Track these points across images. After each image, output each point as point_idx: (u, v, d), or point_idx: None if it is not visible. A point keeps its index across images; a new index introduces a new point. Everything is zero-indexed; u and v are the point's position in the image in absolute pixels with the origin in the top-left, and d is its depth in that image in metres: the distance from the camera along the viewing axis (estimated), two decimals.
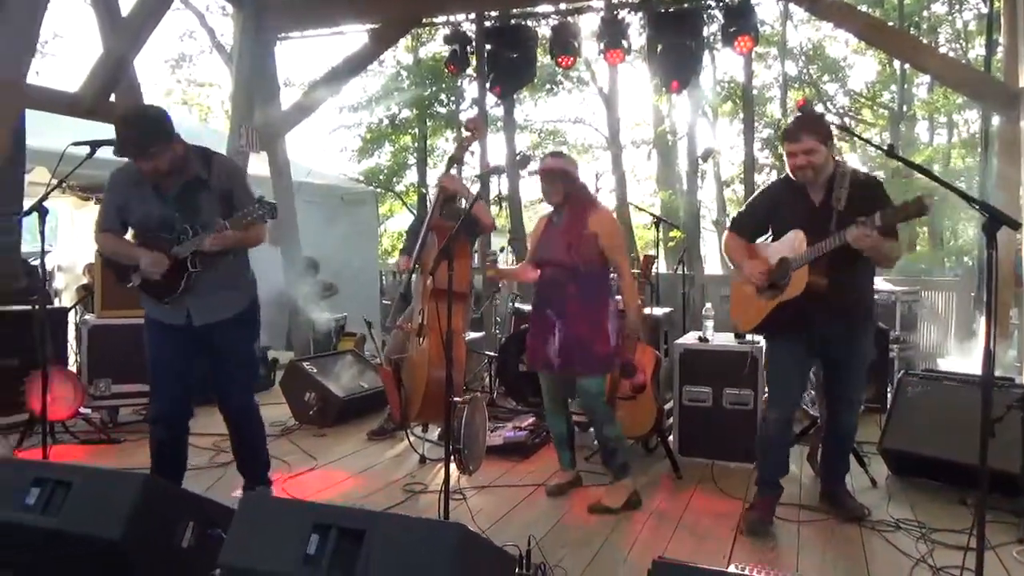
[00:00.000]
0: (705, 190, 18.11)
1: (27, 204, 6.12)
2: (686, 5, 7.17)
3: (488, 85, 7.24)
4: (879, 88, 19.27)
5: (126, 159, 3.06)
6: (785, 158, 3.15)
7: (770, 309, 3.19)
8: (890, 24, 13.57)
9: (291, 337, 7.69)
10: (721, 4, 7.01)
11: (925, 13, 17.59)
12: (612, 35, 6.83)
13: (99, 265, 4.97)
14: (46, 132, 5.84)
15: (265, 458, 3.50)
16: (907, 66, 14.87)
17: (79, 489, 2.43)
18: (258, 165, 7.44)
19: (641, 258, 4.40)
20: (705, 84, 16.59)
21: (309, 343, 7.53)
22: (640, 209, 8.81)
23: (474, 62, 7.37)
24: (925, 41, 14.55)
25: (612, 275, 3.64)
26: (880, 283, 7.14)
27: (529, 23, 7.60)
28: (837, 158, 3.17)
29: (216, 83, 19.85)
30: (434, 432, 4.70)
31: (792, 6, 10.35)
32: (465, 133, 4.34)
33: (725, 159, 19.26)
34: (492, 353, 5.81)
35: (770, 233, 3.33)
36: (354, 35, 7.96)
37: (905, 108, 17.92)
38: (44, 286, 3.56)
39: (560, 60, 7.24)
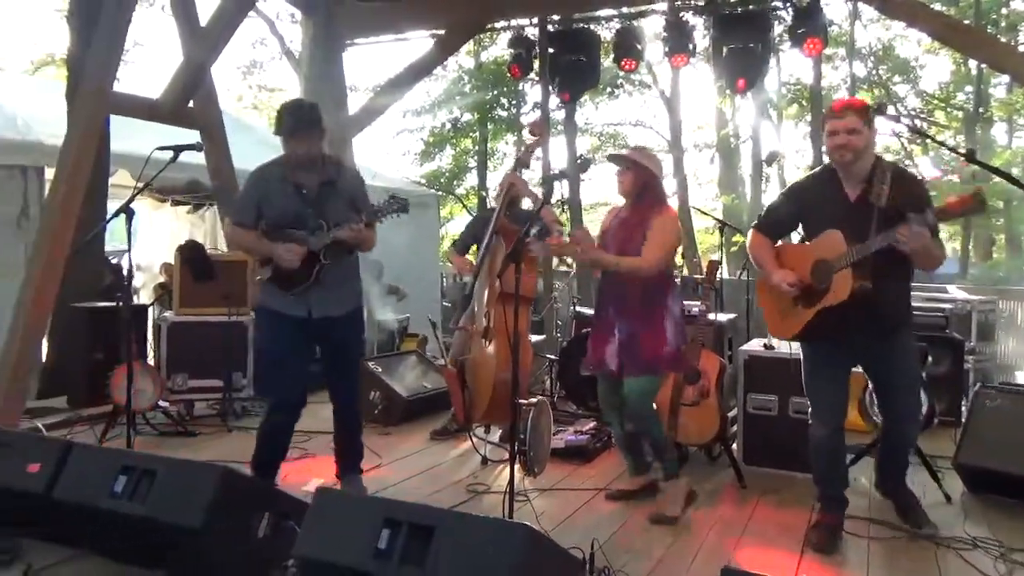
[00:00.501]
0: (769, 194, 17.75)
1: (110, 206, 6.45)
2: (752, 7, 7.06)
3: (556, 90, 7.25)
4: (953, 89, 18.58)
5: (260, 160, 3.41)
6: (824, 139, 2.99)
7: (811, 317, 3.01)
8: (966, 23, 13.07)
9: None
10: (789, 5, 6.88)
11: (1004, 11, 16.89)
12: (676, 38, 6.76)
13: (178, 265, 5.17)
14: (126, 136, 6.12)
15: (362, 449, 3.73)
16: (984, 66, 14.29)
17: (163, 478, 2.55)
18: None
19: (704, 263, 4.36)
20: (769, 86, 16.28)
21: (373, 343, 7.67)
22: (703, 213, 8.68)
23: (537, 66, 7.40)
24: (1004, 40, 13.97)
25: (676, 276, 3.62)
26: (955, 292, 6.89)
27: (592, 27, 7.60)
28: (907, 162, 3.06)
29: (284, 88, 20.37)
30: (496, 434, 4.74)
31: (861, 5, 10.09)
32: (530, 137, 4.39)
33: (790, 162, 18.85)
34: (553, 356, 5.82)
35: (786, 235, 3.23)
36: (417, 41, 8.12)
37: (981, 110, 17.23)
38: (129, 284, 3.72)
39: (623, 64, 7.21)
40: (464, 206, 20.19)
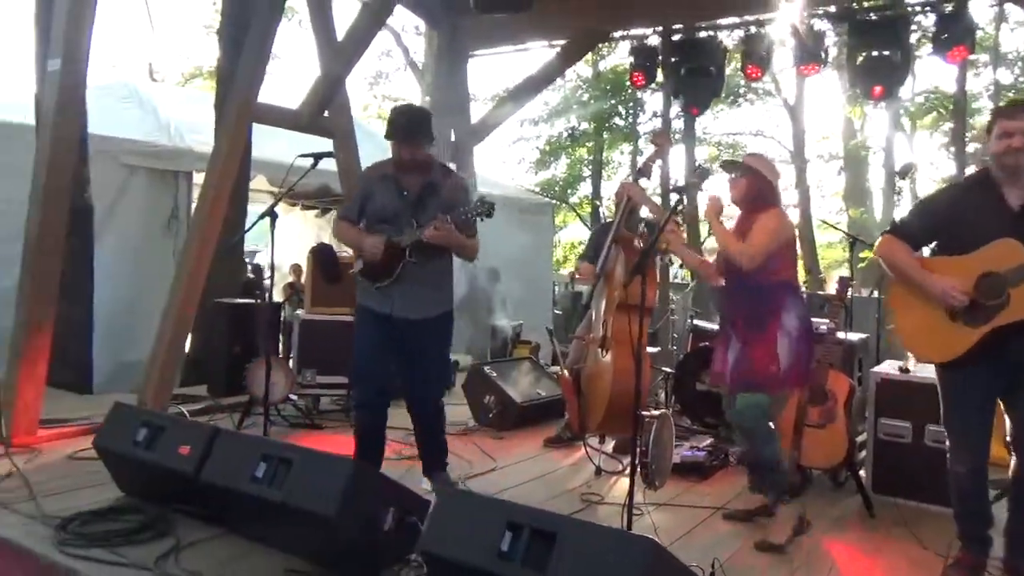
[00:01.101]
0: (901, 208, 16.79)
1: (248, 209, 6.88)
2: (889, 12, 6.72)
3: (679, 100, 7.17)
4: None
5: (375, 158, 3.57)
6: (992, 141, 2.73)
7: (981, 336, 2.73)
8: None
9: (470, 342, 8.00)
10: (930, 9, 6.50)
11: None
12: (806, 47, 6.53)
13: (310, 266, 5.45)
14: (262, 143, 6.49)
15: (445, 446, 3.74)
16: None
17: (299, 467, 2.69)
18: None
19: (827, 279, 4.19)
20: (903, 94, 15.40)
21: (486, 348, 7.81)
22: (831, 226, 8.32)
23: (660, 75, 7.33)
24: None
25: (800, 291, 3.49)
26: None
27: (716, 35, 7.45)
28: None
29: (407, 98, 21.06)
30: (610, 444, 4.72)
31: (1009, 7, 9.39)
32: (650, 147, 4.36)
33: (924, 175, 17.76)
34: (668, 369, 5.74)
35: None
36: (537, 51, 8.20)
37: None
38: (271, 283, 3.96)
39: (748, 72, 7.03)
40: (577, 215, 20.22)
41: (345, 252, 6.43)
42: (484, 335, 7.96)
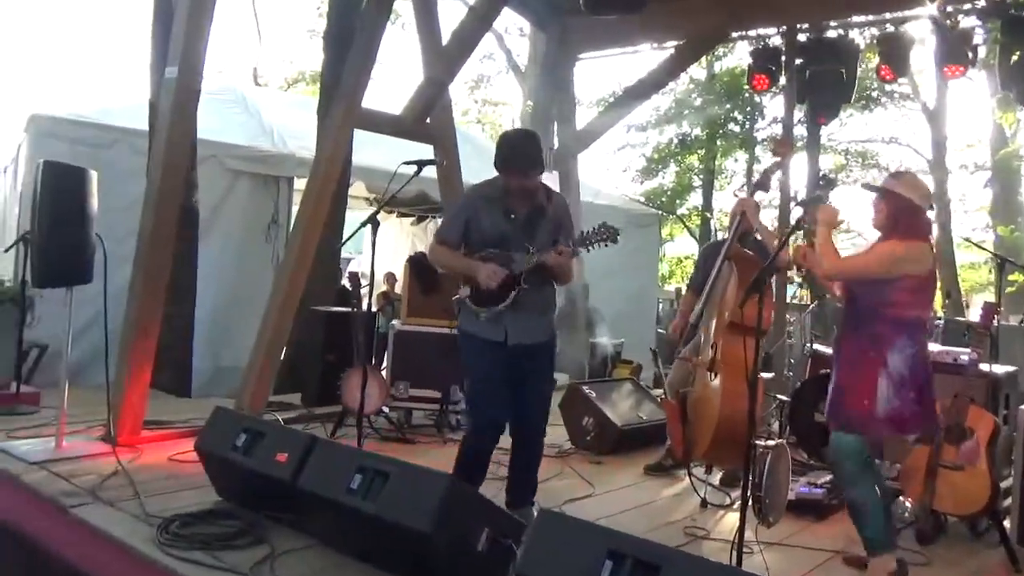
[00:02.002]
0: None
1: (350, 214, 7.18)
2: None
3: (805, 106, 7.02)
4: None
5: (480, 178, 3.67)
6: None
7: None
8: None
9: (568, 360, 8.04)
10: None
11: None
12: (952, 46, 6.27)
13: (407, 275, 5.63)
14: (359, 148, 6.77)
15: (536, 483, 3.77)
16: None
17: (395, 480, 2.81)
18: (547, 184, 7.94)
19: (967, 302, 4.00)
20: None
21: (584, 367, 7.82)
22: (975, 245, 7.91)
23: (783, 79, 7.20)
24: None
25: (936, 321, 3.35)
26: None
27: (846, 34, 7.26)
28: None
29: (509, 103, 21.40)
30: (716, 475, 4.65)
31: None
32: (772, 157, 4.29)
33: None
34: (783, 397, 5.59)
35: None
36: (646, 53, 8.23)
37: None
38: (370, 291, 4.14)
39: (883, 73, 6.82)
40: (686, 227, 19.97)
41: None
42: (582, 353, 7.98)
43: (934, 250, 3.33)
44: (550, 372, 3.71)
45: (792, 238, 3.69)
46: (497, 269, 3.41)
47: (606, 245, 3.40)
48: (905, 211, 3.23)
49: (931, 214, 3.53)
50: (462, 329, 3.62)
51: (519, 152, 3.42)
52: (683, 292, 5.08)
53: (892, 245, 3.21)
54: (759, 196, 4.15)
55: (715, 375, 3.81)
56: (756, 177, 4.36)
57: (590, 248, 3.44)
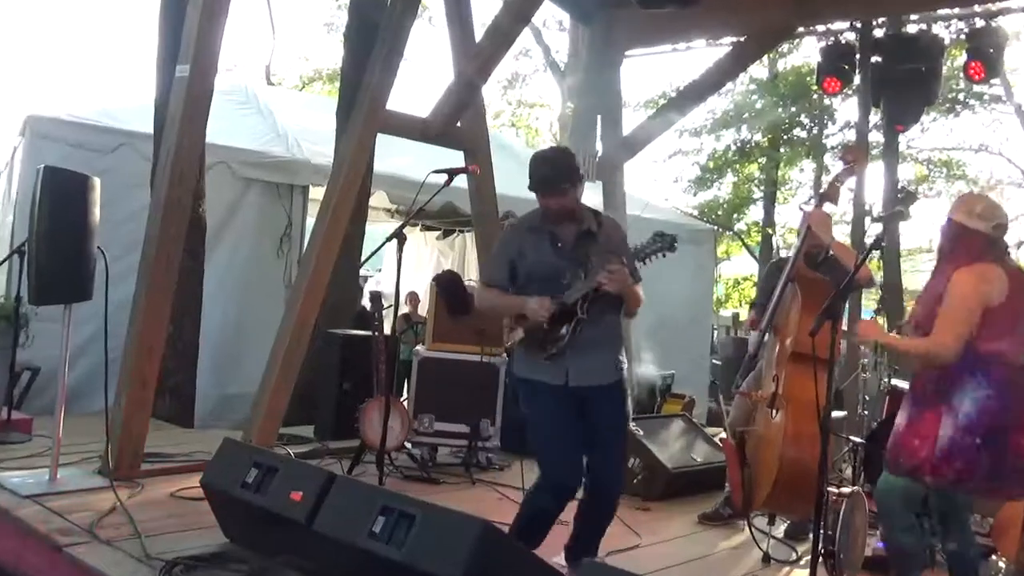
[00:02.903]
0: None
1: (370, 227, 7.28)
2: None
3: (882, 109, 7.01)
4: None
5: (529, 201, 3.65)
6: None
7: None
8: None
9: None
10: None
11: None
12: None
13: (433, 295, 5.70)
14: (382, 155, 6.88)
15: (600, 537, 3.69)
16: None
17: (422, 524, 2.84)
18: (589, 196, 7.98)
19: None
20: None
21: (631, 401, 7.81)
22: None
23: (856, 79, 7.20)
24: None
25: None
26: None
27: (929, 28, 7.25)
28: None
29: (546, 103, 21.55)
30: (781, 526, 4.62)
31: None
32: (842, 165, 4.29)
33: None
34: (857, 439, 5.54)
35: None
36: (701, 50, 8.27)
37: None
38: (395, 312, 4.21)
39: (971, 72, 6.78)
40: (744, 245, 19.87)
41: (472, 281, 6.72)
42: (628, 384, 7.96)
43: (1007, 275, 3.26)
44: (622, 419, 3.62)
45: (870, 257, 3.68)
46: (545, 300, 3.38)
47: (663, 255, 3.39)
48: (966, 234, 3.25)
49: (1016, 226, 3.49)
50: (520, 376, 3.58)
51: (550, 168, 3.46)
52: (747, 314, 5.07)
53: (964, 278, 3.19)
54: (828, 209, 4.16)
55: (777, 412, 3.81)
56: (823, 186, 4.37)
57: (646, 261, 3.42)
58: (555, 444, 3.46)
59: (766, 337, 4.20)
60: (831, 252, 4.09)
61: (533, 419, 3.54)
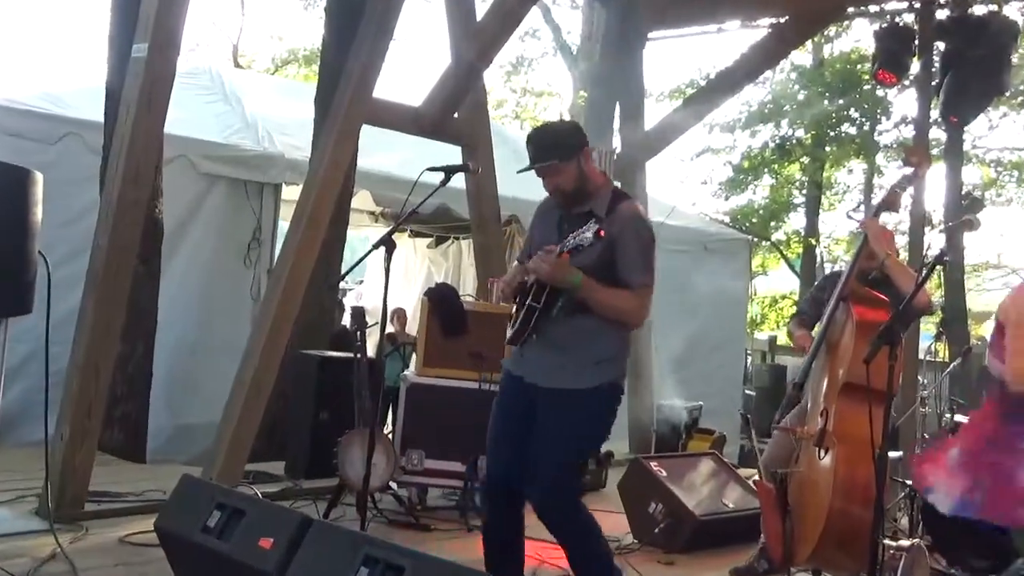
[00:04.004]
0: None
1: (351, 232, 7.29)
2: None
3: (942, 100, 7.03)
4: None
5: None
6: None
7: None
8: None
9: (629, 425, 8.04)
10: None
11: None
12: None
13: (425, 313, 5.69)
14: (367, 150, 6.86)
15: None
16: None
17: None
18: None
19: None
20: None
21: (651, 436, 7.81)
22: None
23: (916, 67, 7.24)
24: None
25: None
26: None
27: (999, 8, 7.29)
28: None
29: (556, 92, 21.61)
30: None
31: None
32: (903, 168, 4.30)
33: None
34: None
35: None
36: (736, 32, 8.31)
37: None
38: (381, 331, 4.21)
39: None
40: (784, 257, 19.90)
41: (470, 296, 6.73)
42: (647, 416, 7.97)
43: None
44: (562, 427, 3.50)
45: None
46: (508, 279, 3.71)
47: (590, 242, 3.31)
48: None
49: None
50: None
51: (532, 146, 3.57)
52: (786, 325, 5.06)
53: None
54: (885, 219, 4.18)
55: (825, 452, 3.81)
56: (881, 193, 4.38)
57: (575, 248, 3.35)
58: (492, 438, 3.68)
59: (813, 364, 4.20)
60: (886, 269, 4.10)
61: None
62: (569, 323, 3.51)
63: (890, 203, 4.20)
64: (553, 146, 3.54)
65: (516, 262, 3.94)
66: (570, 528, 3.56)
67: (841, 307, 4.05)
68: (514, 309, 3.68)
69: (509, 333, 3.67)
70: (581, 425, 3.57)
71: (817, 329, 4.25)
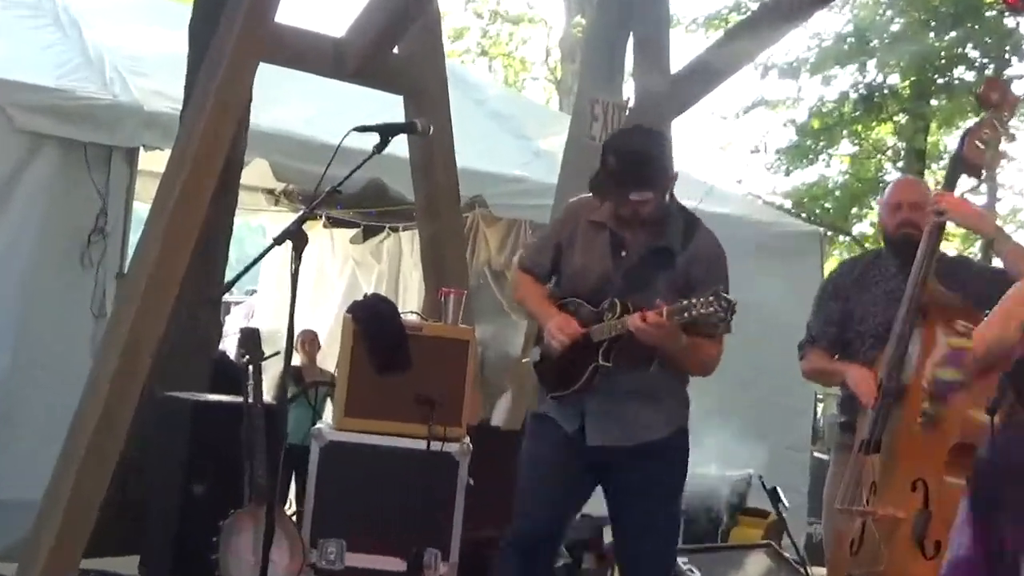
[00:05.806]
0: None
1: (241, 220, 7.25)
2: None
3: None
4: None
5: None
6: None
7: None
8: None
9: None
10: None
11: None
12: None
13: (348, 338, 5.63)
14: (263, 104, 6.84)
15: None
16: None
17: None
18: None
19: None
20: None
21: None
22: None
23: None
24: None
25: None
26: None
27: None
28: None
29: (539, 17, 21.60)
30: None
31: None
32: (982, 110, 4.33)
33: None
34: None
35: None
36: None
37: None
38: (287, 362, 4.23)
39: None
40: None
41: (414, 313, 6.69)
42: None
43: None
44: (668, 490, 4.11)
45: None
46: (566, 321, 3.85)
47: (716, 326, 3.67)
48: None
49: None
50: (533, 412, 4.13)
51: (630, 164, 3.79)
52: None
53: None
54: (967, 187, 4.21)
55: (935, 548, 3.83)
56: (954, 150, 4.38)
57: (695, 320, 3.65)
58: (529, 489, 4.03)
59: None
60: (1000, 255, 4.00)
61: (522, 459, 4.08)
62: (639, 375, 3.89)
63: (969, 161, 4.17)
64: (664, 168, 3.90)
65: (523, 269, 4.16)
66: None
67: (916, 332, 4.07)
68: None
69: (555, 384, 3.98)
70: (675, 483, 4.24)
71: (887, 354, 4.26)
